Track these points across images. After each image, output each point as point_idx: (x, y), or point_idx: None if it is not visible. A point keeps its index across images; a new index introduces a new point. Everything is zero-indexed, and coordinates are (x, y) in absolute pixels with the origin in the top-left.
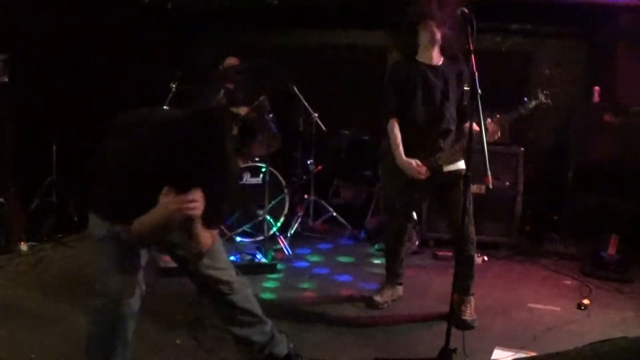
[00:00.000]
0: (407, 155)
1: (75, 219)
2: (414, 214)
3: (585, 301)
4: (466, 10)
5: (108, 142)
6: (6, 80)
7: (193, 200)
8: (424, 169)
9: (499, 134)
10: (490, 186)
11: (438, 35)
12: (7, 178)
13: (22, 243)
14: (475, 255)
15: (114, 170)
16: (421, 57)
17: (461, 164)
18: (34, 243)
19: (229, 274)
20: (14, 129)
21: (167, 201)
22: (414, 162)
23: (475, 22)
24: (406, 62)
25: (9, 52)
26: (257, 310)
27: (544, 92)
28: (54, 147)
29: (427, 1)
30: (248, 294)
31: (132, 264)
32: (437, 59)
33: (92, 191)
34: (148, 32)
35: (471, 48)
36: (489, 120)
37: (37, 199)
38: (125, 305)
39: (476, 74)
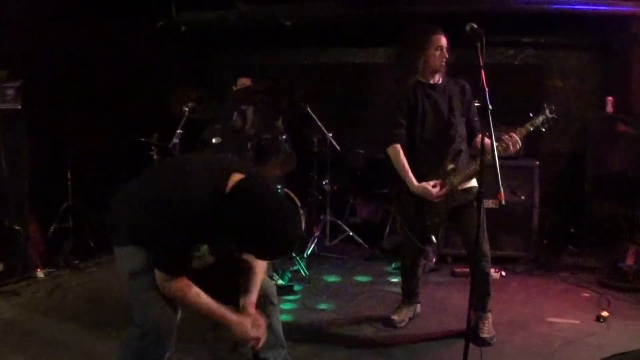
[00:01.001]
0: (420, 178)
1: (92, 244)
2: (433, 237)
3: (604, 313)
4: (475, 26)
5: (159, 180)
6: (19, 107)
7: (260, 337)
8: (440, 191)
9: (520, 143)
10: (503, 202)
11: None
12: (23, 205)
13: (39, 270)
14: (492, 270)
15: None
16: (423, 78)
17: (474, 181)
18: (51, 269)
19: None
20: (28, 156)
21: (242, 328)
22: (429, 185)
23: (484, 37)
24: (409, 83)
25: (21, 79)
26: (281, 333)
27: (550, 106)
28: (69, 173)
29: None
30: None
31: None
32: (438, 77)
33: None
34: (162, 54)
35: (481, 63)
36: (506, 135)
37: (53, 225)
38: (167, 335)
39: (487, 89)
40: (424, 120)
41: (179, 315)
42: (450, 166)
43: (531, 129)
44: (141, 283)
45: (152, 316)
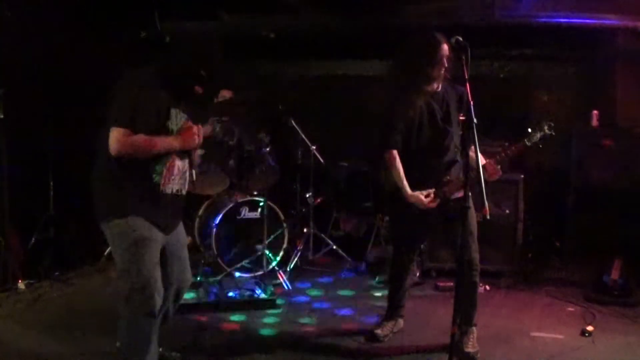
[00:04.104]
0: (413, 186)
1: (73, 256)
2: (422, 247)
3: (589, 328)
4: (460, 39)
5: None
6: (1, 116)
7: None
8: (432, 200)
9: (500, 173)
10: (488, 217)
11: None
12: (3, 215)
13: (20, 281)
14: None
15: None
16: (425, 86)
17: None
18: (31, 281)
19: None
20: (9, 166)
21: (185, 138)
22: (422, 195)
23: (469, 50)
24: (409, 91)
25: (3, 88)
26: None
27: (548, 122)
28: (51, 183)
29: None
30: None
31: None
32: (437, 85)
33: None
34: (145, 65)
35: (466, 77)
36: (488, 160)
37: (34, 236)
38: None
39: (472, 102)
40: (420, 128)
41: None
42: (445, 177)
43: (529, 144)
44: (146, 248)
45: (153, 279)
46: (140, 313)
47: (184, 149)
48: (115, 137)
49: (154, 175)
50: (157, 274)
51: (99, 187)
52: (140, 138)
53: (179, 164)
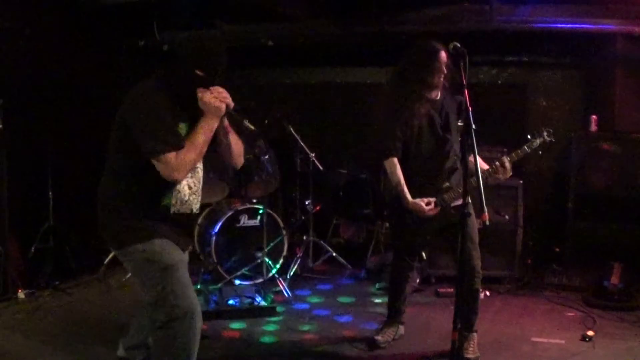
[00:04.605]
0: (414, 194)
1: (73, 265)
2: (423, 254)
3: (590, 332)
4: (458, 45)
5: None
6: (0, 126)
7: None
8: (432, 208)
9: (510, 173)
10: (487, 223)
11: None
12: (3, 225)
13: (20, 290)
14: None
15: None
16: (424, 93)
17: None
18: (31, 290)
19: None
20: (9, 176)
21: (211, 97)
22: (422, 202)
23: (467, 57)
24: (410, 99)
25: (2, 98)
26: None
27: (548, 129)
28: (51, 193)
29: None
30: None
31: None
32: (436, 93)
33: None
34: (144, 73)
35: (464, 82)
36: (497, 163)
37: (34, 246)
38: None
39: (470, 108)
40: (420, 135)
41: None
42: (445, 184)
43: (528, 151)
44: (179, 274)
45: (192, 302)
46: (186, 337)
47: (219, 117)
48: (167, 167)
49: (163, 199)
50: (194, 294)
51: (112, 213)
52: (188, 150)
53: (190, 182)
